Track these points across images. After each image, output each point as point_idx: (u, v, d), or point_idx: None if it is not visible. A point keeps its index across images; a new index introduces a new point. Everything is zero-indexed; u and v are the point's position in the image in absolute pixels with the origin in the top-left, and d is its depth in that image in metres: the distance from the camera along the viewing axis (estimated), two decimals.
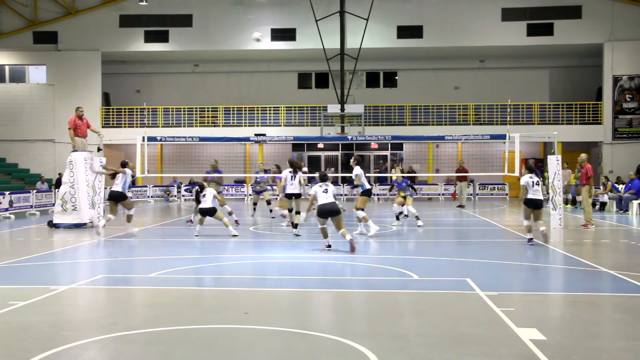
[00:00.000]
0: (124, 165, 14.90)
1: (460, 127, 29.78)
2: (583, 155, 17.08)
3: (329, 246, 11.44)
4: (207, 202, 13.90)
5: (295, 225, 13.95)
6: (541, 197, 12.45)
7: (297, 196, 14.05)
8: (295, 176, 14.06)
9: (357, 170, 13.77)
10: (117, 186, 14.54)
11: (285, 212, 15.42)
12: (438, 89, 32.76)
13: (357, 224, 14.25)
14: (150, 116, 31.02)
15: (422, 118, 30.82)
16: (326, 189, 11.52)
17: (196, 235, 13.80)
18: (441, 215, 20.40)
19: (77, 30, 30.97)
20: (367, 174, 24.53)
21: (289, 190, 14.04)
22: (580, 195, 17.44)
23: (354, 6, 28.89)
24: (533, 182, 12.33)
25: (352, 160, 14.34)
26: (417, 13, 30.32)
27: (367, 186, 13.92)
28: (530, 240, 12.33)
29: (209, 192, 13.96)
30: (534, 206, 12.34)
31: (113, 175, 14.97)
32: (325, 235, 11.49)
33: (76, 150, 16.46)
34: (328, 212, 11.35)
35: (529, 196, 12.33)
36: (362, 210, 13.67)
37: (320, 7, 28.57)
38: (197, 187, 14.65)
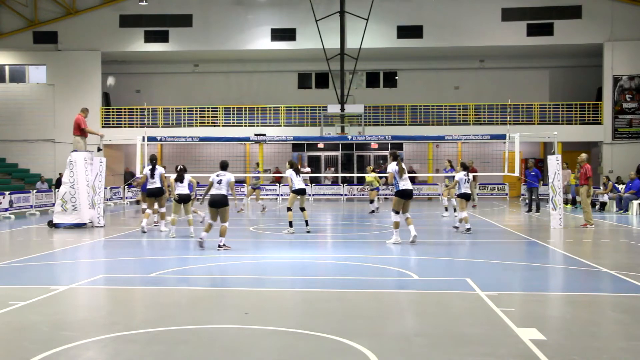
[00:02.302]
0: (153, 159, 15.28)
1: (460, 127, 29.78)
2: (583, 155, 17.00)
3: (201, 240, 11.63)
4: (184, 188, 13.60)
5: (306, 222, 14.87)
6: (469, 192, 14.75)
7: (303, 191, 14.94)
8: (299, 175, 14.79)
9: (390, 167, 12.51)
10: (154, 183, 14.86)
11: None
12: (438, 89, 32.76)
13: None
14: (150, 116, 31.03)
15: (422, 118, 30.82)
16: (220, 180, 11.53)
17: (173, 237, 13.44)
18: (441, 215, 20.37)
19: (77, 30, 30.98)
20: (366, 174, 24.42)
21: (297, 186, 14.73)
22: (579, 196, 17.43)
23: (354, 6, 28.88)
24: (465, 179, 14.62)
25: (389, 156, 12.92)
26: (417, 13, 30.32)
27: (402, 186, 12.41)
28: (467, 228, 14.28)
29: (187, 178, 13.85)
30: (465, 197, 14.59)
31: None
32: (207, 230, 11.70)
33: (76, 150, 16.47)
34: (216, 202, 11.44)
35: (462, 191, 14.57)
36: (397, 213, 12.43)
37: (320, 7, 28.58)
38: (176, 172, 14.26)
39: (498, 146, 27.75)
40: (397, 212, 12.43)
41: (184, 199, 13.66)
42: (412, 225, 12.42)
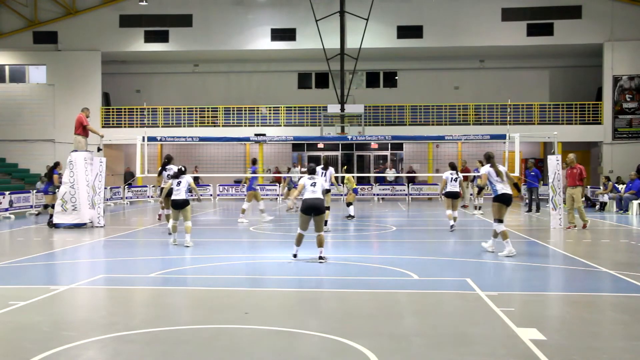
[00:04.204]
0: (169, 159, 14.50)
1: (460, 127, 29.78)
2: (571, 155, 16.32)
3: (295, 256, 10.34)
4: (180, 193, 12.09)
5: (325, 222, 14.60)
6: (457, 190, 14.92)
7: (327, 191, 14.77)
8: (326, 173, 14.65)
9: (484, 169, 11.21)
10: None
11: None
12: (438, 89, 32.76)
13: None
14: (150, 116, 31.04)
15: (422, 118, 30.82)
16: (314, 183, 10.22)
17: (174, 244, 12.18)
18: (441, 215, 20.38)
19: (77, 30, 30.98)
20: (366, 174, 24.01)
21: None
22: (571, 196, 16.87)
23: (354, 6, 28.88)
24: (452, 177, 14.84)
25: (483, 159, 11.59)
26: (417, 13, 30.33)
27: (499, 190, 10.94)
28: (452, 227, 14.63)
29: (184, 181, 12.19)
30: (452, 196, 14.81)
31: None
32: (298, 243, 10.31)
33: (76, 150, 16.47)
34: (312, 207, 10.03)
35: (448, 189, 14.84)
36: (500, 221, 10.98)
37: (320, 7, 28.57)
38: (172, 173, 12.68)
39: (498, 146, 27.65)
40: (500, 221, 10.96)
41: (179, 205, 12.17)
42: (508, 239, 10.93)
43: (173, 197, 12.25)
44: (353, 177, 19.70)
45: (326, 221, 14.87)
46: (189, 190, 12.46)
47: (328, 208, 15.11)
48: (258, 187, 18.15)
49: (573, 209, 15.90)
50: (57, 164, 18.01)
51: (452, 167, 15.34)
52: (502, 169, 11.07)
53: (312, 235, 14.11)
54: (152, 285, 8.58)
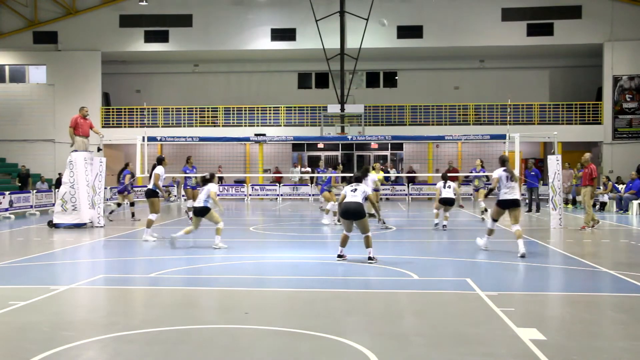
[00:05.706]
0: (160, 161, 14.02)
1: (460, 127, 29.79)
2: (587, 155, 16.30)
3: (340, 256, 10.21)
4: (199, 201, 12.02)
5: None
6: (452, 197, 15.53)
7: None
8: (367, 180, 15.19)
9: (496, 172, 11.19)
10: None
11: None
12: (438, 89, 32.77)
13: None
14: (150, 116, 31.03)
15: (422, 118, 30.83)
16: (355, 189, 10.21)
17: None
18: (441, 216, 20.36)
19: (77, 30, 31.00)
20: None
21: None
22: (579, 195, 17.14)
23: (354, 6, 28.90)
24: (445, 185, 15.53)
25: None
26: (417, 13, 30.34)
27: (501, 195, 11.06)
28: (436, 225, 15.63)
29: (206, 189, 11.97)
30: (445, 203, 15.47)
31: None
32: (343, 244, 10.26)
33: (76, 150, 16.45)
34: (351, 212, 10.00)
35: (442, 196, 15.49)
36: (495, 220, 11.27)
37: (320, 7, 28.59)
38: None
39: (498, 146, 27.72)
40: (495, 220, 11.24)
41: (198, 212, 12.02)
42: (521, 239, 10.82)
43: (194, 205, 12.58)
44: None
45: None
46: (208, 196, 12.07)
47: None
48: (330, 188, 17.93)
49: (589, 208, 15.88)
50: (127, 165, 19.40)
51: (444, 177, 15.94)
52: (516, 172, 11.04)
53: (312, 236, 14.14)
54: (152, 285, 8.58)
